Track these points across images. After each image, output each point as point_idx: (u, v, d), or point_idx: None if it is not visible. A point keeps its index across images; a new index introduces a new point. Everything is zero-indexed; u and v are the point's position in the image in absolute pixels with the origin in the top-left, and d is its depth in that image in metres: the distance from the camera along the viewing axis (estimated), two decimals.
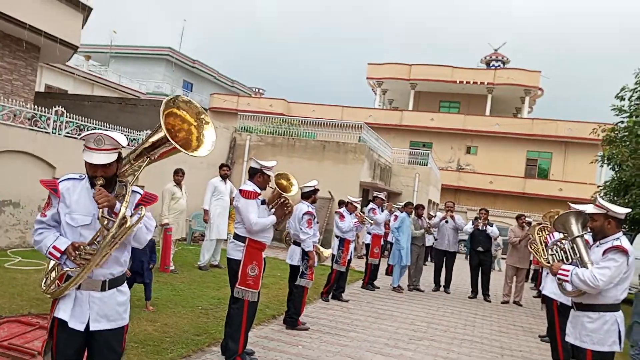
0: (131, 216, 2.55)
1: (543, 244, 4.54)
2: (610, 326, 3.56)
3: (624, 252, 3.48)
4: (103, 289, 2.63)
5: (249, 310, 4.57)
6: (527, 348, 6.58)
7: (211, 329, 5.45)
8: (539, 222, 5.98)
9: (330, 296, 8.07)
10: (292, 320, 6.09)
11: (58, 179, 2.69)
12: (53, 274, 2.75)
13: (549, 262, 3.92)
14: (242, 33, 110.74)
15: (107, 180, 2.59)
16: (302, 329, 6.06)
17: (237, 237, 4.65)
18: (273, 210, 4.76)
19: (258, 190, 4.64)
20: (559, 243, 3.96)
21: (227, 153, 16.35)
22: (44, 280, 2.78)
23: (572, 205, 5.14)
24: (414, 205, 10.75)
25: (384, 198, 10.15)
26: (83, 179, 2.67)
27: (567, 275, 3.62)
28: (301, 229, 5.97)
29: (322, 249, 6.61)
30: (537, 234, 4.88)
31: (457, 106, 36.14)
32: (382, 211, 10.14)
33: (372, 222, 9.32)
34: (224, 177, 9.30)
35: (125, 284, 2.79)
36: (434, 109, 35.22)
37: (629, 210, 3.76)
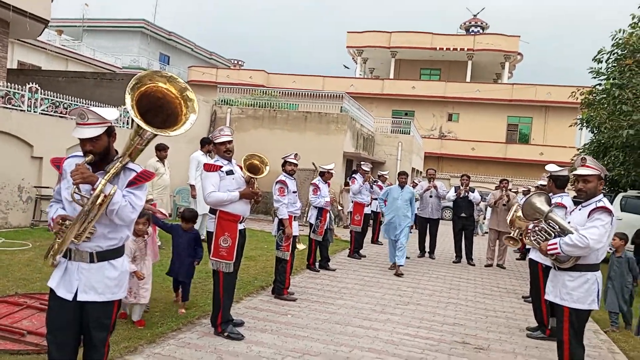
0: (112, 194, 2.54)
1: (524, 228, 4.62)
2: (590, 285, 3.67)
3: (609, 211, 3.56)
4: (92, 261, 2.67)
5: (224, 281, 4.56)
6: (510, 309, 6.76)
7: (200, 301, 5.49)
8: (520, 185, 6.11)
9: (317, 266, 8.15)
10: (278, 289, 6.16)
11: (68, 157, 2.80)
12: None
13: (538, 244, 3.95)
14: (218, 3, 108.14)
15: (100, 156, 2.64)
16: (290, 299, 6.13)
17: (210, 209, 4.64)
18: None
19: (221, 163, 4.57)
20: (536, 228, 4.00)
21: (207, 127, 16.16)
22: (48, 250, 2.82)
23: (547, 168, 5.23)
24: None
25: (367, 169, 10.16)
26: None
27: (556, 247, 3.68)
28: (274, 197, 6.01)
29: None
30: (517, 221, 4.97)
31: (438, 73, 36.07)
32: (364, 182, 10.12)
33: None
34: (208, 152, 9.21)
35: (120, 260, 2.77)
36: (415, 77, 35.11)
37: (602, 167, 3.80)
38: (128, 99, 2.62)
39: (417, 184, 11.45)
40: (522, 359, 4.79)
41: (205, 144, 9.30)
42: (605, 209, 3.56)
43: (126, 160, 2.70)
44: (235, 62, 44.03)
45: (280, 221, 6.00)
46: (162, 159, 8.59)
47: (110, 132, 2.69)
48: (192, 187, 8.99)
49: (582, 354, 3.75)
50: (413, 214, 8.80)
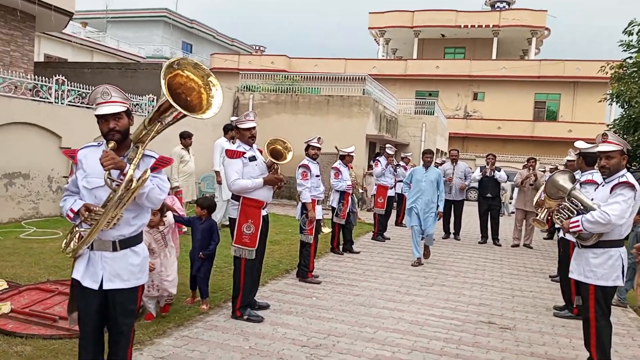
0: (139, 179, 2.59)
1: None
2: (614, 261, 3.60)
3: (632, 186, 3.48)
4: (114, 249, 2.72)
5: (246, 268, 4.61)
6: (537, 288, 6.70)
7: (226, 285, 5.59)
8: (548, 164, 6.00)
9: (341, 249, 8.20)
10: (302, 272, 6.22)
11: (81, 148, 2.83)
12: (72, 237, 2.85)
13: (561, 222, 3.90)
14: None
15: (119, 143, 2.68)
16: (314, 282, 6.19)
17: (233, 196, 4.67)
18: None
19: (244, 149, 4.58)
20: (560, 207, 3.95)
21: (230, 113, 16.26)
22: (65, 241, 2.88)
23: (576, 145, 5.11)
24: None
25: (390, 152, 10.10)
26: (100, 145, 2.76)
27: (578, 225, 3.64)
28: (297, 181, 6.05)
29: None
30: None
31: (463, 52, 35.37)
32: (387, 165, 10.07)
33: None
34: (232, 138, 9.29)
35: (140, 246, 2.84)
36: (439, 56, 34.52)
37: (623, 141, 3.68)
38: (163, 82, 2.64)
39: (439, 165, 11.33)
40: (549, 338, 4.76)
41: (229, 130, 9.37)
42: (627, 184, 3.48)
43: (145, 149, 2.74)
44: (257, 47, 44.02)
45: (304, 205, 6.05)
46: (186, 146, 8.72)
47: (129, 114, 2.75)
48: (217, 173, 9.11)
49: (609, 332, 3.70)
50: (441, 199, 7.68)
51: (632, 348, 4.60)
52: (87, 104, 10.44)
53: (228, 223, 9.42)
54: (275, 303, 5.25)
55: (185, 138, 8.71)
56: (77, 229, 2.70)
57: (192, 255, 4.96)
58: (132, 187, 2.56)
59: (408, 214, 7.86)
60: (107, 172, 2.57)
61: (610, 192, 3.58)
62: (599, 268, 3.63)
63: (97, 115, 2.67)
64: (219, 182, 9.14)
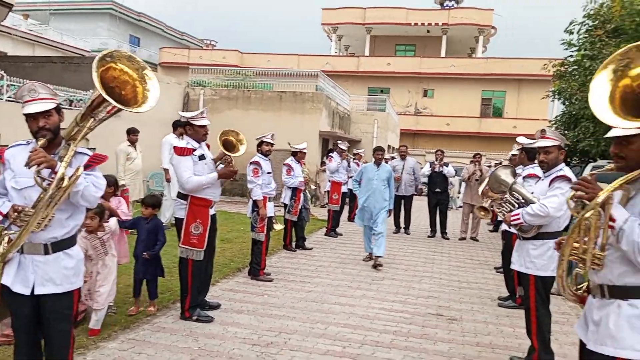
0: (71, 177, 2.49)
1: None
2: (553, 252, 3.76)
3: (569, 180, 3.64)
4: (46, 252, 2.60)
5: (193, 269, 4.51)
6: (482, 280, 6.92)
7: (174, 286, 5.45)
8: (493, 159, 6.22)
9: (294, 246, 8.19)
10: (254, 270, 6.18)
11: (7, 147, 2.69)
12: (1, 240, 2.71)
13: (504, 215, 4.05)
14: None
15: (50, 141, 2.57)
16: (266, 279, 6.16)
17: (179, 195, 4.53)
18: (218, 167, 4.63)
19: (193, 146, 4.46)
20: (501, 201, 4.10)
21: (180, 109, 15.92)
22: None
23: (518, 140, 5.31)
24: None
25: (344, 148, 10.17)
26: (30, 143, 2.63)
27: (519, 218, 3.78)
28: (247, 178, 6.00)
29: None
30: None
31: (413, 49, 36.03)
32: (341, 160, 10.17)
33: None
34: (180, 135, 9.10)
35: (75, 248, 2.73)
36: (391, 53, 35.02)
37: (561, 136, 3.88)
38: (95, 75, 2.55)
39: (388, 160, 11.46)
40: (494, 328, 4.93)
41: (178, 126, 9.15)
42: (564, 177, 3.64)
43: (77, 146, 2.64)
44: (208, 42, 43.22)
45: (255, 202, 5.99)
46: (133, 143, 8.48)
47: (58, 110, 2.65)
48: (166, 170, 8.89)
49: (549, 320, 3.86)
50: (391, 197, 7.51)
51: (572, 335, 4.81)
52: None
53: (171, 223, 9.30)
54: (226, 302, 5.18)
55: (131, 134, 8.46)
56: (5, 232, 2.57)
57: (137, 256, 4.71)
58: (64, 185, 2.46)
59: (359, 214, 7.58)
60: (37, 171, 2.45)
61: (549, 186, 3.73)
62: (538, 259, 3.78)
63: (25, 114, 2.55)
64: (168, 180, 8.93)
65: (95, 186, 2.61)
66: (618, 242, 2.09)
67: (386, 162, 10.78)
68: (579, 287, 2.46)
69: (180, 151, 4.41)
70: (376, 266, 7.12)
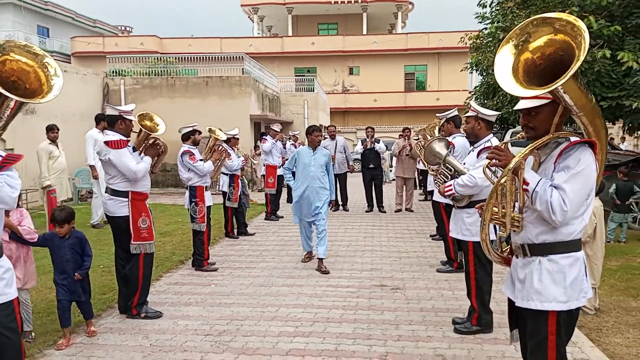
0: None
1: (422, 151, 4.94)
2: None
3: None
4: None
5: (145, 263, 4.50)
6: (420, 248, 7.25)
7: (116, 285, 5.29)
8: (420, 129, 6.51)
9: (236, 233, 8.15)
10: (198, 261, 6.12)
11: None
12: None
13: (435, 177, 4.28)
14: None
15: None
16: (211, 269, 6.11)
17: (115, 192, 4.38)
18: (142, 154, 4.58)
19: (125, 138, 4.40)
20: (437, 174, 4.32)
21: (101, 101, 15.17)
22: None
23: (438, 115, 5.60)
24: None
25: (277, 130, 10.16)
26: None
27: (451, 189, 4.01)
28: (189, 169, 5.90)
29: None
30: (418, 146, 5.26)
31: (336, 27, 36.25)
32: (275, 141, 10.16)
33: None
34: (104, 129, 8.71)
35: (2, 258, 2.59)
36: (314, 33, 35.05)
37: (495, 113, 4.15)
38: None
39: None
40: (435, 292, 5.20)
41: (101, 120, 8.77)
42: (490, 148, 3.88)
43: None
44: (123, 28, 41.19)
45: (192, 193, 5.91)
46: (53, 140, 8.05)
47: None
48: (92, 167, 8.53)
49: (488, 282, 4.13)
50: (332, 185, 6.44)
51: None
52: None
53: (98, 222, 8.93)
54: (172, 296, 5.12)
55: (49, 131, 8.01)
56: None
57: (59, 280, 3.92)
58: None
59: (295, 207, 6.40)
60: None
61: (477, 157, 3.97)
62: (472, 226, 4.03)
63: None
64: (95, 177, 8.57)
65: (10, 186, 2.46)
66: (533, 204, 2.28)
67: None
68: (503, 249, 2.66)
69: (116, 144, 4.29)
70: (323, 271, 5.98)
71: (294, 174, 6.37)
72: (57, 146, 8.12)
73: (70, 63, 27.15)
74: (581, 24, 2.05)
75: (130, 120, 4.46)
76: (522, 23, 2.23)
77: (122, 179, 4.37)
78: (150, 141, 4.65)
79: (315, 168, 6.22)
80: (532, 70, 2.20)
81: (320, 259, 6.12)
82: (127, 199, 4.37)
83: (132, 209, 4.37)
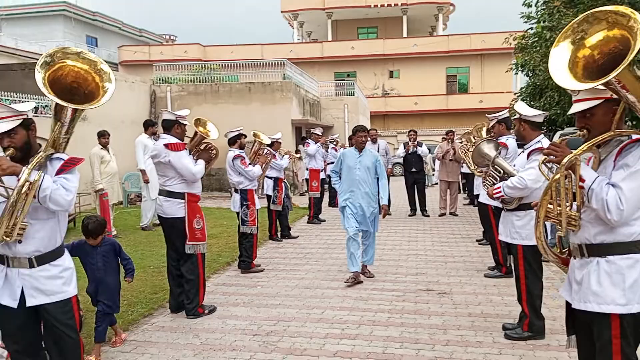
0: (38, 179, 2.46)
1: (469, 156, 4.85)
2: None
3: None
4: (32, 266, 2.60)
5: (203, 262, 4.68)
6: (466, 253, 7.12)
7: (167, 285, 5.41)
8: (465, 132, 6.38)
9: (280, 236, 8.24)
10: (246, 264, 6.21)
11: None
12: None
13: (481, 172, 4.22)
14: None
15: (22, 151, 2.57)
16: (257, 270, 6.21)
17: (172, 194, 4.51)
18: (195, 158, 4.72)
19: (181, 141, 4.59)
20: (486, 175, 4.25)
21: (148, 108, 15.67)
22: None
23: (488, 116, 5.47)
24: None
25: (319, 133, 10.24)
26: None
27: (500, 192, 3.94)
28: (240, 173, 6.01)
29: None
30: (463, 149, 5.18)
31: (375, 31, 36.15)
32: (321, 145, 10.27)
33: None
34: (153, 134, 9.00)
35: (62, 258, 2.71)
36: (353, 37, 35.07)
37: (538, 112, 4.03)
38: (39, 76, 2.52)
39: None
40: (483, 298, 5.10)
41: (149, 126, 9.07)
42: (540, 149, 3.78)
43: (50, 151, 2.63)
44: (167, 37, 42.38)
45: (244, 196, 6.03)
46: (104, 145, 8.36)
47: (27, 125, 2.60)
48: (143, 172, 8.80)
49: (539, 287, 4.01)
50: (384, 189, 5.79)
51: (559, 299, 5.00)
52: None
53: (147, 225, 9.21)
54: (220, 297, 5.22)
55: (101, 137, 8.34)
56: None
57: (95, 289, 3.85)
58: (24, 191, 2.43)
59: (342, 213, 5.91)
60: None
61: (527, 158, 3.88)
62: (522, 229, 3.93)
63: None
64: (146, 181, 8.84)
65: (65, 188, 2.54)
66: (589, 202, 2.21)
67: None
68: (563, 250, 2.59)
69: (176, 147, 4.46)
70: (367, 276, 5.84)
71: (339, 175, 5.97)
72: (108, 151, 8.43)
73: (117, 71, 28.16)
74: (634, 13, 1.98)
75: (185, 125, 4.62)
76: (576, 20, 2.18)
77: (179, 181, 4.50)
78: (203, 146, 4.80)
79: (362, 172, 5.72)
80: (591, 66, 2.14)
81: (365, 265, 5.89)
82: (183, 201, 4.51)
83: (188, 210, 4.51)
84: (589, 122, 2.30)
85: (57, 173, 2.58)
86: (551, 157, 2.34)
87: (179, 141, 4.54)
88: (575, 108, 2.32)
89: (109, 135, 8.47)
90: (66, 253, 2.78)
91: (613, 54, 2.08)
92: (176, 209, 4.52)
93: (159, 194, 4.64)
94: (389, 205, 10.84)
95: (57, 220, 2.66)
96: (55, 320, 2.65)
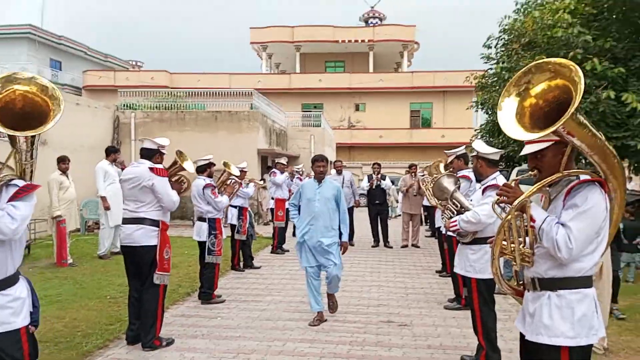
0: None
1: (429, 189, 4.99)
2: (490, 256, 4.04)
3: (498, 187, 3.94)
4: None
5: (164, 293, 4.58)
6: (427, 285, 7.21)
7: (123, 316, 5.29)
8: (427, 166, 6.57)
9: (242, 266, 8.16)
10: (206, 295, 6.11)
11: None
12: None
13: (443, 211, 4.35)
14: (109, 3, 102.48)
15: None
16: (218, 301, 6.11)
17: (149, 221, 4.43)
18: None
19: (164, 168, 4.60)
20: (444, 209, 4.40)
21: (111, 134, 15.43)
22: None
23: (446, 152, 5.68)
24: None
25: (284, 163, 10.32)
26: None
27: (456, 225, 4.07)
28: (209, 203, 5.98)
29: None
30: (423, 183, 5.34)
31: (342, 65, 36.93)
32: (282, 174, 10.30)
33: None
34: (114, 161, 8.86)
35: (13, 287, 2.62)
36: (321, 70, 35.70)
37: (494, 150, 4.20)
38: None
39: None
40: (442, 330, 5.17)
41: (111, 152, 8.93)
42: (495, 186, 3.93)
43: (8, 178, 2.58)
44: (134, 63, 42.07)
45: (212, 225, 5.98)
46: (64, 171, 8.18)
47: None
48: (103, 198, 8.60)
49: (493, 318, 4.11)
50: (345, 224, 5.49)
51: (515, 331, 5.11)
52: None
53: (118, 250, 9.01)
54: (179, 328, 5.10)
55: (60, 162, 8.16)
56: None
57: None
58: None
59: (299, 250, 5.54)
60: None
61: (482, 194, 4.02)
62: (477, 263, 4.05)
63: None
64: (107, 208, 8.62)
65: (11, 217, 2.48)
66: (540, 240, 2.34)
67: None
68: (519, 282, 2.69)
69: (162, 172, 4.46)
70: (331, 307, 5.68)
71: (298, 209, 5.58)
72: (68, 177, 8.24)
73: (80, 95, 27.68)
74: (572, 64, 2.15)
75: (164, 154, 4.65)
76: (518, 73, 2.33)
77: (155, 207, 4.44)
78: (174, 178, 4.81)
79: (321, 204, 5.32)
80: (537, 114, 2.28)
81: (331, 295, 5.68)
82: (157, 229, 4.45)
83: (161, 239, 4.46)
84: (539, 163, 2.44)
85: (10, 200, 2.51)
86: (503, 197, 2.45)
87: (163, 167, 4.54)
88: (527, 150, 2.46)
89: (69, 160, 8.30)
90: (19, 283, 2.67)
91: (557, 101, 2.23)
92: (149, 237, 4.42)
93: (128, 222, 4.49)
94: (351, 237, 10.95)
95: (8, 248, 2.58)
96: (2, 352, 2.55)
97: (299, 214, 5.52)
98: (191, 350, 4.48)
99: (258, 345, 4.62)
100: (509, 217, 2.39)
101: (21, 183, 2.60)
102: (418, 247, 10.67)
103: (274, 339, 4.82)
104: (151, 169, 4.42)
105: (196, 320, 5.40)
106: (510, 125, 2.30)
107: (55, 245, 8.00)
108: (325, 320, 5.41)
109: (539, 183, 2.39)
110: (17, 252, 2.65)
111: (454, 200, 4.25)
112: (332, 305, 5.72)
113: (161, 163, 4.61)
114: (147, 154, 4.55)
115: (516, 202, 2.34)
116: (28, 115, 2.63)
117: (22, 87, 2.62)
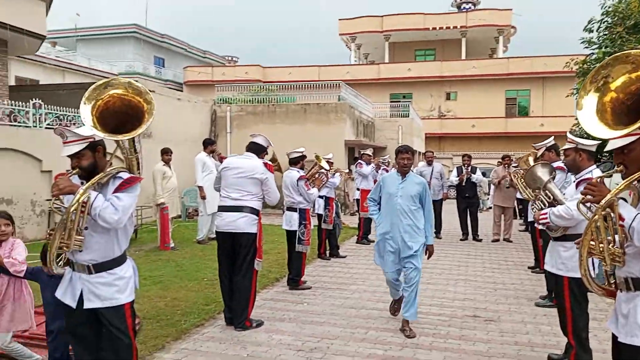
0: (73, 201, 2.69)
1: (523, 183, 4.80)
2: None
3: None
4: (90, 272, 2.85)
5: (256, 277, 4.94)
6: (518, 281, 6.96)
7: (219, 297, 5.66)
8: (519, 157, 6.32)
9: (328, 255, 8.37)
10: (294, 281, 6.37)
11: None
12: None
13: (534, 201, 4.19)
14: (207, 1, 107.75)
15: (87, 171, 2.82)
16: (305, 288, 6.36)
17: (251, 210, 4.80)
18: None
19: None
20: (535, 199, 4.22)
21: (208, 127, 16.34)
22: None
23: (534, 145, 5.41)
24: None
25: (370, 154, 10.38)
26: (70, 172, 2.89)
27: (546, 217, 3.88)
28: (302, 194, 6.29)
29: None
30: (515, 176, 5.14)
31: (433, 53, 36.03)
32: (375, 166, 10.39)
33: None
34: (211, 153, 9.44)
35: (120, 267, 2.91)
36: (410, 59, 35.09)
37: (595, 142, 3.94)
38: (86, 110, 2.71)
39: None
40: (532, 327, 5.00)
41: (208, 144, 9.50)
42: (590, 179, 3.72)
43: (116, 171, 2.85)
44: (230, 58, 44.06)
45: (303, 216, 6.29)
46: (167, 162, 8.83)
47: (94, 148, 2.84)
48: (200, 188, 9.20)
49: (585, 319, 3.90)
50: (430, 224, 4.90)
51: (610, 331, 4.85)
52: (65, 125, 10.45)
53: (214, 236, 9.58)
54: (267, 311, 5.39)
55: (164, 154, 8.84)
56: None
57: (52, 321, 3.63)
58: (74, 209, 2.66)
59: (377, 249, 5.01)
60: (54, 196, 2.75)
61: (576, 188, 3.82)
62: (569, 261, 3.83)
63: None
64: (203, 197, 9.22)
65: (114, 207, 2.72)
66: (631, 239, 2.22)
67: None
68: (611, 282, 2.57)
69: (271, 169, 4.94)
70: (407, 334, 4.69)
71: (378, 204, 5.05)
72: (170, 168, 8.91)
73: (182, 91, 29.50)
74: None
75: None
76: (594, 69, 2.22)
77: (258, 198, 4.86)
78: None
79: (404, 200, 4.75)
80: (620, 109, 2.16)
81: (405, 320, 4.79)
82: (257, 218, 4.84)
83: (259, 228, 4.85)
84: (626, 158, 2.31)
85: (115, 191, 2.78)
86: (588, 197, 2.36)
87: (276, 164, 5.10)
88: (612, 144, 2.34)
89: (172, 152, 8.96)
90: (126, 263, 2.98)
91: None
92: (251, 225, 4.78)
93: (229, 210, 4.79)
94: (439, 230, 10.77)
95: (115, 233, 2.87)
96: (110, 324, 2.88)
97: (379, 209, 5.02)
98: (278, 333, 4.73)
99: (341, 332, 4.77)
100: (596, 216, 2.30)
101: (126, 175, 2.87)
102: (510, 241, 10.26)
103: (357, 326, 4.95)
104: (265, 164, 4.87)
105: (284, 305, 5.67)
106: (592, 124, 2.19)
107: (159, 230, 8.72)
108: (412, 337, 4.73)
109: (627, 179, 2.27)
110: (123, 237, 2.96)
111: (546, 191, 4.07)
112: (407, 335, 4.70)
113: (263, 159, 5.03)
114: (257, 149, 4.92)
115: (603, 201, 2.25)
116: (129, 115, 2.86)
117: (120, 91, 2.84)
